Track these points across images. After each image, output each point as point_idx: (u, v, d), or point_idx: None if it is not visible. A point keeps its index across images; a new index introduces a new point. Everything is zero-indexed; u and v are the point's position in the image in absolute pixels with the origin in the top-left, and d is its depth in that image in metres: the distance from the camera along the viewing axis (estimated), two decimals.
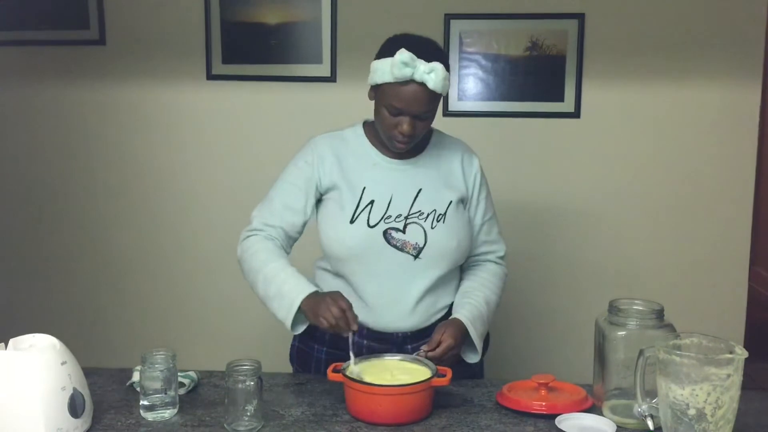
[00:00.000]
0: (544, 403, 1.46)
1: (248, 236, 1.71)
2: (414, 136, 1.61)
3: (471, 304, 1.68)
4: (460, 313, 1.65)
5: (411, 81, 1.54)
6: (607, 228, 2.62)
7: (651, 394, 1.33)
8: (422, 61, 1.53)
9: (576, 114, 2.54)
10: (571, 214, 2.62)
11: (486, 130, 2.50)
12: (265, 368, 1.70)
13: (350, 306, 1.52)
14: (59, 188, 2.78)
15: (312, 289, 1.60)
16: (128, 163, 2.75)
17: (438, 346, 1.57)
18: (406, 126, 1.58)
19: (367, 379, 1.44)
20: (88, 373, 1.62)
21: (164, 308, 2.80)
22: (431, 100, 1.58)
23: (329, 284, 1.71)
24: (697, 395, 1.21)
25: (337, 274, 1.70)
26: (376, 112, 1.64)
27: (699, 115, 2.56)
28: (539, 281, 2.60)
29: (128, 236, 2.77)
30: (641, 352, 1.32)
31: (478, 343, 1.65)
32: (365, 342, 1.67)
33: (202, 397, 1.55)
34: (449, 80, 1.60)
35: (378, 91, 1.61)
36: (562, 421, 1.40)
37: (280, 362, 1.85)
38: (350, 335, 1.52)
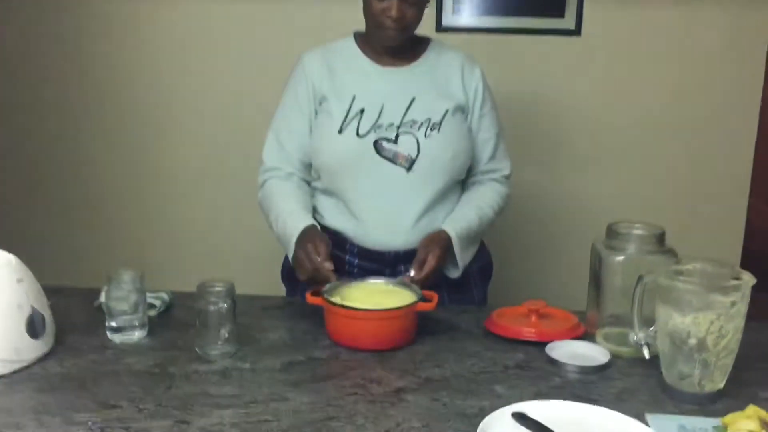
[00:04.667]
0: (534, 330, 1.38)
1: (264, 180, 1.65)
2: (403, 21, 1.53)
3: (462, 218, 1.59)
4: (449, 226, 1.56)
5: None
6: (606, 152, 2.50)
7: (647, 322, 1.26)
8: None
9: (577, 31, 2.39)
10: (569, 138, 2.49)
11: (480, 48, 2.34)
12: (255, 289, 1.64)
13: (325, 257, 1.43)
14: (30, 105, 2.62)
15: (303, 225, 1.51)
16: (104, 80, 2.58)
17: (422, 267, 1.49)
18: (394, 10, 1.50)
19: (349, 302, 1.35)
20: (54, 291, 1.53)
21: (142, 226, 2.66)
22: None
23: (323, 204, 1.64)
24: (699, 324, 1.13)
25: (330, 192, 1.61)
26: (365, 6, 1.55)
27: (707, 38, 2.41)
28: (534, 205, 2.49)
29: (103, 154, 2.63)
30: (640, 279, 1.24)
31: (460, 260, 1.58)
32: (357, 261, 1.60)
33: (174, 319, 1.47)
34: None
35: None
36: (553, 349, 1.33)
37: (270, 283, 1.77)
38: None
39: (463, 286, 1.65)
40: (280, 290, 1.73)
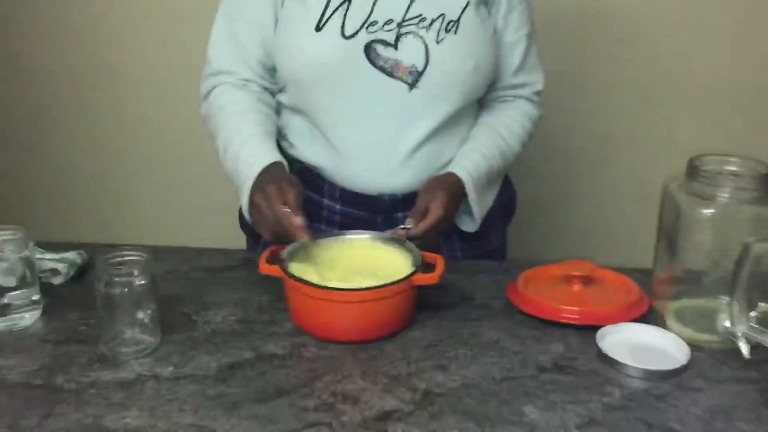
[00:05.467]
0: (577, 309, 0.99)
1: (211, 88, 1.21)
2: None
3: (480, 152, 1.18)
4: (461, 166, 1.16)
5: None
6: (684, 66, 1.88)
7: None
8: None
9: None
10: (629, 29, 1.89)
11: None
12: (210, 239, 1.30)
13: (295, 206, 1.00)
14: None
15: (264, 160, 1.09)
16: None
17: (423, 218, 1.08)
18: None
19: (315, 275, 0.96)
20: None
21: (65, 159, 2.14)
22: None
23: (291, 126, 1.22)
24: None
25: (300, 111, 1.18)
26: None
27: None
28: (579, 127, 1.94)
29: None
30: (747, 248, 0.83)
31: (477, 210, 1.18)
32: (338, 206, 1.20)
33: (85, 291, 1.08)
34: None
35: None
36: (605, 337, 0.94)
37: (231, 230, 1.38)
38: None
39: (479, 230, 1.25)
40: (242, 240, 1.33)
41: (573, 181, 1.99)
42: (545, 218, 1.91)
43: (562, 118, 1.82)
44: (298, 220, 0.98)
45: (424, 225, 1.08)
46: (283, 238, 1.01)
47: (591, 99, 1.92)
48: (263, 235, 1.05)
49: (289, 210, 0.99)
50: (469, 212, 1.19)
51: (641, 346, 0.94)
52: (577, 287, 1.04)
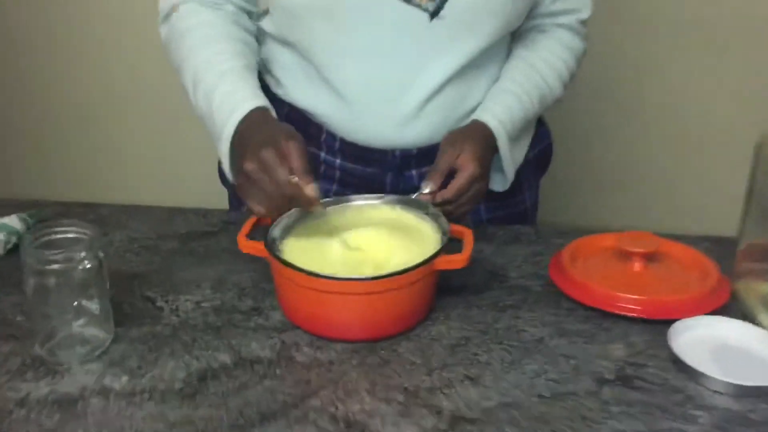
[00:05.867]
0: (640, 297, 0.79)
1: (173, 7, 0.96)
2: None
3: (513, 94, 0.96)
4: (491, 112, 0.94)
5: None
6: None
7: None
8: None
9: None
10: None
11: None
12: (183, 193, 1.16)
13: (302, 169, 0.76)
14: None
15: (247, 105, 0.85)
16: None
17: (450, 179, 0.87)
18: None
19: (308, 259, 0.75)
20: None
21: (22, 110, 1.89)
22: None
23: (278, 60, 0.99)
24: None
25: (289, 42, 0.95)
26: None
27: None
28: (627, 64, 1.63)
29: None
30: None
31: (509, 166, 0.97)
32: (338, 161, 0.99)
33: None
34: None
35: None
36: (678, 335, 0.74)
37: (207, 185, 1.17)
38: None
39: (511, 187, 1.03)
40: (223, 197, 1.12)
41: (617, 127, 1.68)
42: (580, 171, 1.65)
43: (607, 53, 1.54)
44: (313, 190, 0.76)
45: (455, 186, 0.86)
46: (284, 210, 0.79)
47: (645, 31, 1.62)
48: (255, 209, 0.82)
49: (297, 179, 0.76)
50: (499, 168, 0.97)
51: (725, 347, 0.74)
52: (638, 266, 0.84)
